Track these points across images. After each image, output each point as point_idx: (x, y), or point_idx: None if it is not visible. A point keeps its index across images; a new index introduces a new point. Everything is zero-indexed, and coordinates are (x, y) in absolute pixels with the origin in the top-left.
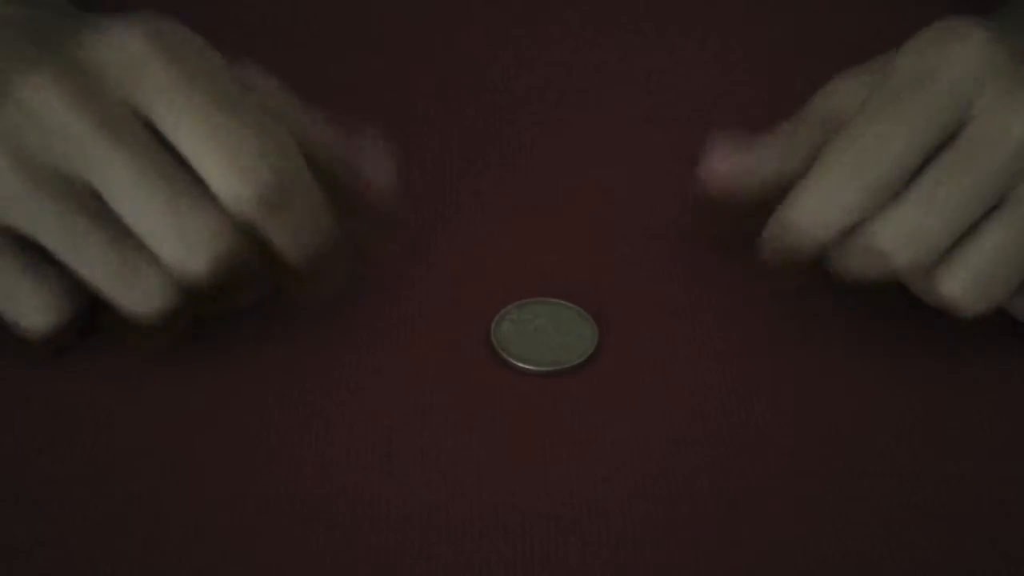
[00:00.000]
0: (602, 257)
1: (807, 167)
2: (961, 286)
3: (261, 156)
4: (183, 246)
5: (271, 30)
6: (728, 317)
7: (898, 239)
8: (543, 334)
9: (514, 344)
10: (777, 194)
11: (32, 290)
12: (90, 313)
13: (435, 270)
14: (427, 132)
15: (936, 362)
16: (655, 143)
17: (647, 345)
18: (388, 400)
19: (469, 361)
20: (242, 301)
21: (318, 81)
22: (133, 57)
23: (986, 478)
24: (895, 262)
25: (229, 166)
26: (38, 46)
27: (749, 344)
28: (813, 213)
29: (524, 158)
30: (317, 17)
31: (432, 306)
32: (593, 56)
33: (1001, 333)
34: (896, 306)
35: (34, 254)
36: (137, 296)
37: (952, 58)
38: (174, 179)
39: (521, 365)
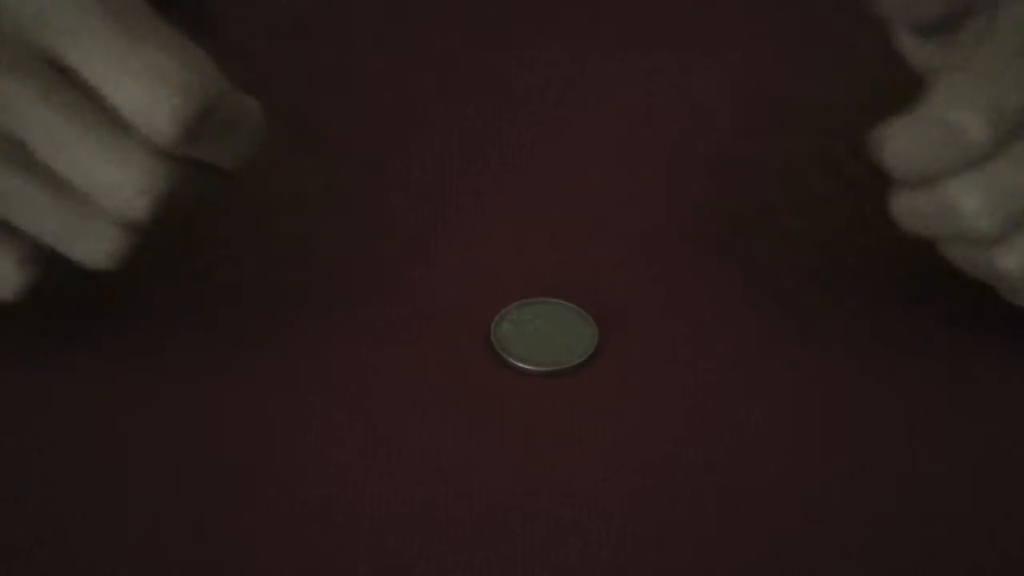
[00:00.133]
0: (602, 257)
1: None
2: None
3: (176, 82)
4: (117, 191)
5: (271, 30)
6: (728, 317)
7: (988, 200)
8: (543, 334)
9: (514, 344)
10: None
11: None
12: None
13: (435, 270)
14: (427, 132)
15: (936, 362)
16: (655, 143)
17: (647, 345)
18: (388, 400)
19: (469, 361)
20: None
21: (318, 81)
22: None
23: (986, 478)
24: (978, 224)
25: (144, 98)
26: None
27: (749, 344)
28: (898, 154)
29: (524, 158)
30: (317, 17)
31: (432, 306)
32: (593, 56)
33: (1001, 333)
34: (896, 306)
35: None
36: (89, 247)
37: None
38: (96, 122)
39: (521, 365)
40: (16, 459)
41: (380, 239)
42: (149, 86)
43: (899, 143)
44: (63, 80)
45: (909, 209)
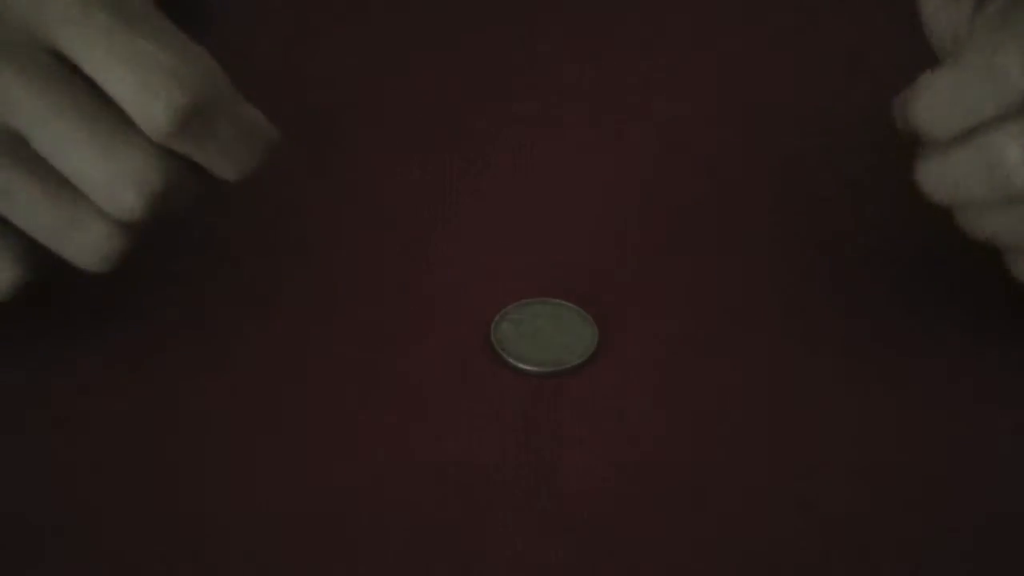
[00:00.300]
0: (602, 257)
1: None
2: None
3: (172, 74)
4: (112, 185)
5: (270, 31)
6: (728, 317)
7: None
8: (543, 334)
9: (514, 344)
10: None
11: None
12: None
13: (435, 270)
14: (427, 132)
15: (936, 362)
16: (655, 143)
17: (647, 345)
18: (388, 400)
19: (469, 361)
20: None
21: (318, 81)
22: None
23: (986, 478)
24: (1020, 175)
25: (139, 88)
26: None
27: (749, 344)
28: (932, 108)
29: (524, 158)
30: (316, 17)
31: (432, 306)
32: (593, 56)
33: (1002, 332)
34: (896, 306)
35: None
36: (81, 246)
37: None
38: (94, 115)
39: (521, 365)
40: (16, 459)
41: (380, 239)
42: (144, 75)
43: (935, 96)
44: (62, 70)
45: (940, 172)
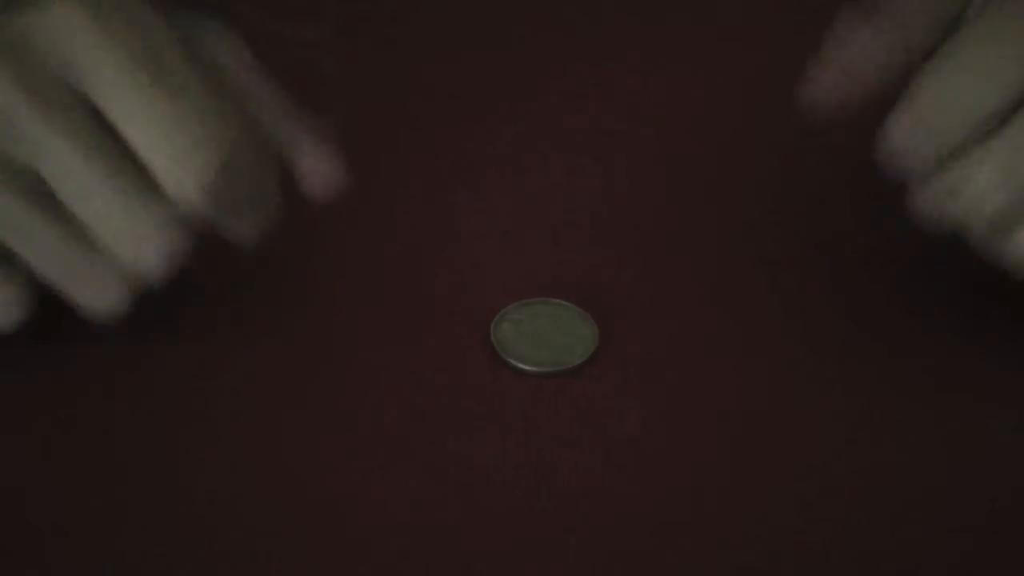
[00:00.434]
0: (602, 257)
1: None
2: None
3: (208, 150)
4: (134, 241)
5: (269, 31)
6: (728, 317)
7: (992, 182)
8: (543, 334)
9: (514, 344)
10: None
11: None
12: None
13: (435, 270)
14: (427, 132)
15: (936, 362)
16: (655, 143)
17: (647, 345)
18: (388, 400)
19: (469, 361)
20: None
21: (318, 83)
22: (69, 33)
23: (986, 478)
24: (988, 203)
25: (172, 156)
26: None
27: (749, 344)
28: (905, 141)
29: (524, 158)
30: (316, 18)
31: (432, 306)
32: (593, 56)
33: (1001, 333)
34: (896, 306)
35: None
36: (92, 293)
37: None
38: (120, 166)
39: (521, 365)
40: (16, 459)
41: (380, 239)
42: (179, 145)
43: (906, 125)
44: (94, 122)
45: (928, 200)
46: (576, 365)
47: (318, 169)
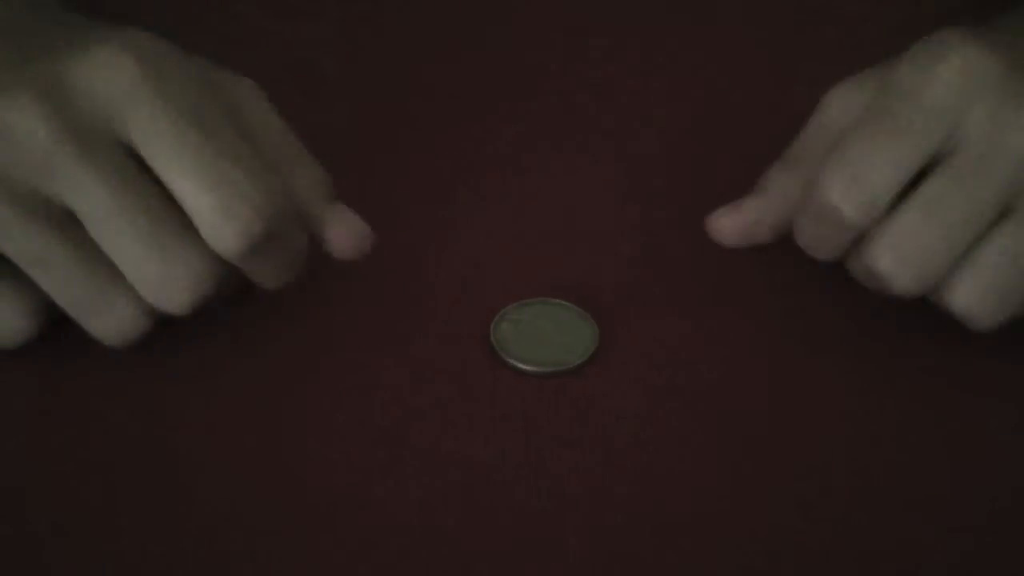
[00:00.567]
0: (602, 257)
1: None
2: (972, 298)
3: (253, 206)
4: (166, 284)
5: (270, 31)
6: (729, 317)
7: (897, 258)
8: (543, 334)
9: (514, 344)
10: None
11: (1, 305)
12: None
13: (435, 270)
14: (427, 132)
15: (936, 362)
16: (655, 143)
17: (647, 345)
18: (388, 400)
19: (469, 361)
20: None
21: (318, 81)
22: (121, 84)
23: (986, 478)
24: (897, 284)
25: (219, 212)
26: (23, 59)
27: (749, 344)
28: (808, 239)
29: (524, 158)
30: (316, 18)
31: (432, 306)
32: (593, 56)
33: (1001, 333)
34: (896, 306)
35: (7, 267)
36: (106, 324)
37: (942, 75)
38: (158, 213)
39: (521, 365)
40: (17, 460)
41: (380, 239)
42: (224, 199)
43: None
44: (133, 166)
45: (855, 271)
46: (576, 365)
47: (346, 238)
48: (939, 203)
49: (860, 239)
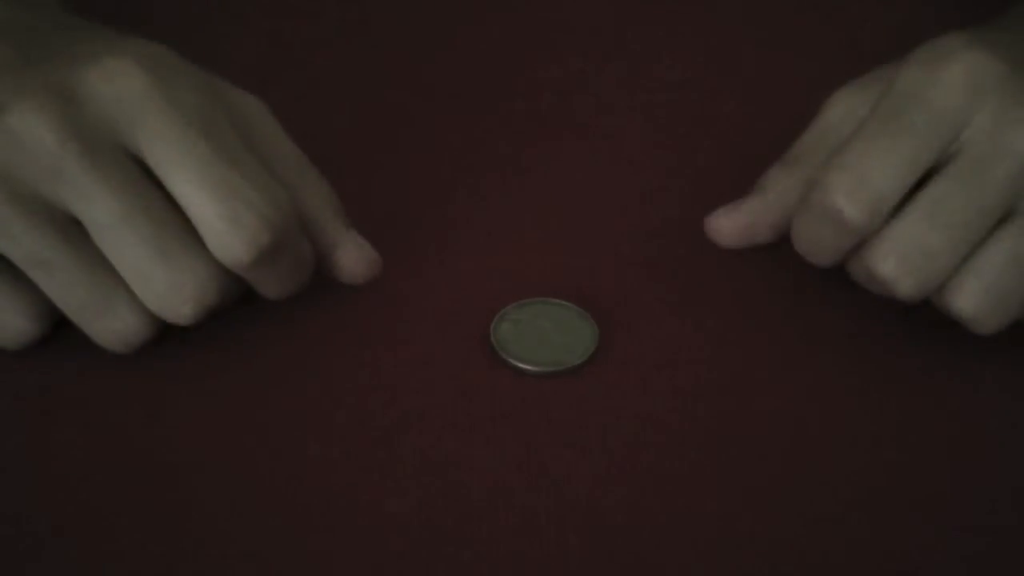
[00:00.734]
0: (602, 257)
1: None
2: (975, 301)
3: (260, 216)
4: (169, 294)
5: (270, 30)
6: (728, 317)
7: (900, 262)
8: (543, 334)
9: (514, 344)
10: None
11: (5, 307)
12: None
13: (436, 270)
14: (427, 132)
15: (936, 362)
16: (655, 143)
17: (647, 345)
18: (388, 400)
19: (469, 361)
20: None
21: (318, 81)
22: (131, 93)
23: (986, 478)
24: (900, 288)
25: (227, 222)
26: (25, 61)
27: (749, 344)
28: (807, 242)
29: (525, 158)
30: (316, 18)
31: (432, 306)
32: (594, 56)
33: (1001, 333)
34: (896, 306)
35: (12, 270)
36: (108, 329)
37: (946, 78)
38: (163, 223)
39: (521, 365)
40: (17, 460)
41: (381, 239)
42: (233, 210)
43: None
44: (140, 176)
45: (855, 274)
46: (576, 365)
47: (356, 263)
48: (942, 207)
49: (860, 244)
